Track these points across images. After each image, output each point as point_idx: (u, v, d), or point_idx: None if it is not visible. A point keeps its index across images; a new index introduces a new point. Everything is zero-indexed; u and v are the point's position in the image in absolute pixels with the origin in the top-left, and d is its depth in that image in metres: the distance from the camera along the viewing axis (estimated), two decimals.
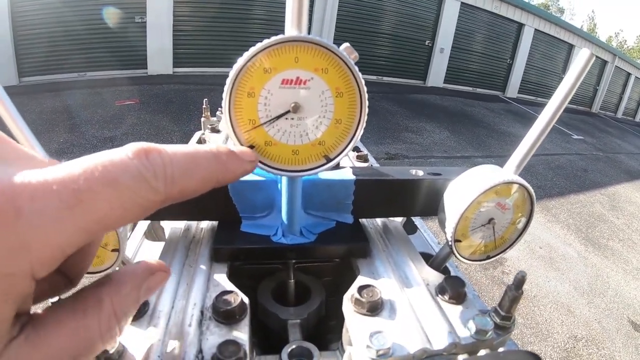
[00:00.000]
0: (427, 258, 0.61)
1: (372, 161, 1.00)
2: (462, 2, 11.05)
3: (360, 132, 0.40)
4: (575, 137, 9.79)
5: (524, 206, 0.57)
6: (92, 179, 0.20)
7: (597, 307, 3.43)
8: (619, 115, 17.43)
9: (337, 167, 0.62)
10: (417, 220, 0.77)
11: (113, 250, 0.52)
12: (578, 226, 4.84)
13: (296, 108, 0.38)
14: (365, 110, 0.39)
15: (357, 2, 9.86)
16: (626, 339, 3.11)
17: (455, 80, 12.10)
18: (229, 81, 0.37)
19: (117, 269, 0.47)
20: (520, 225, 0.58)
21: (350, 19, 9.87)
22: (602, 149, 9.28)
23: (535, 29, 12.81)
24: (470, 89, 12.54)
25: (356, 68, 0.38)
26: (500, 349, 0.42)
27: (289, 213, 0.50)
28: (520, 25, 12.55)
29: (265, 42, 0.36)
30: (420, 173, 0.59)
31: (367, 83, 0.38)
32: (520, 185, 0.54)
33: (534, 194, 0.56)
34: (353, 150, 0.96)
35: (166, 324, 0.42)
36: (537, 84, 13.79)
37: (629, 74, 17.20)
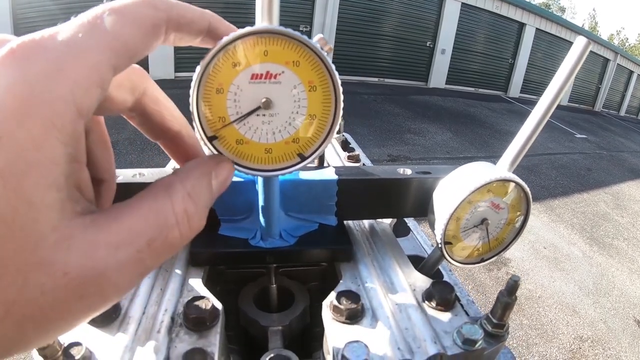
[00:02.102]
0: (419, 261, 0.58)
1: (367, 162, 0.98)
2: (462, 3, 11.03)
3: (335, 127, 0.37)
4: (579, 136, 9.73)
5: (519, 205, 0.54)
6: (104, 9, 0.22)
7: (602, 307, 3.39)
8: (622, 113, 17.35)
9: (321, 166, 0.59)
10: (410, 222, 0.74)
11: None
12: (582, 225, 4.80)
13: (267, 104, 0.36)
14: (340, 104, 0.37)
15: (357, 5, 9.86)
16: (632, 338, 3.07)
17: (457, 81, 12.08)
18: (195, 77, 0.35)
19: None
20: (516, 226, 0.56)
21: (351, 21, 9.87)
22: (606, 147, 9.22)
23: (537, 28, 12.79)
24: (472, 89, 12.51)
25: (329, 60, 0.35)
26: None
27: (266, 215, 0.48)
28: (522, 25, 12.53)
29: (232, 35, 0.34)
30: (409, 172, 0.56)
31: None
32: (515, 183, 0.51)
33: (529, 192, 0.53)
34: (344, 150, 0.93)
35: (135, 330, 0.40)
36: (539, 83, 13.73)
37: (631, 72, 17.13)
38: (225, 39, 0.34)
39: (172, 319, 0.41)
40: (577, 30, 13.90)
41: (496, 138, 7.76)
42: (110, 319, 0.41)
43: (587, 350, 2.87)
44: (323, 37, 0.37)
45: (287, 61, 0.35)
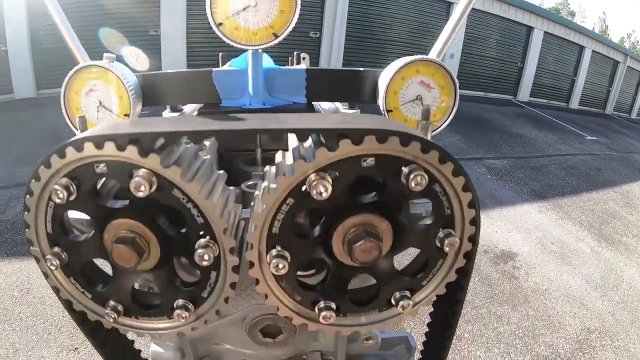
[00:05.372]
0: None
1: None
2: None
3: (296, 16, 0.58)
4: (589, 137, 9.70)
5: (448, 87, 0.68)
6: None
7: (610, 300, 3.38)
8: (634, 116, 17.15)
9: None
10: None
11: None
12: (591, 223, 4.79)
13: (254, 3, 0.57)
14: (299, 1, 0.57)
15: (366, 12, 10.05)
16: None
17: (467, 86, 12.11)
18: None
19: None
20: (446, 105, 0.70)
21: (360, 28, 10.05)
22: (616, 148, 9.17)
23: (545, 32, 12.81)
24: (482, 93, 12.54)
25: None
26: None
27: (254, 87, 0.67)
28: (530, 29, 12.57)
29: None
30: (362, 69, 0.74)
31: None
32: (437, 63, 0.66)
33: (453, 74, 0.67)
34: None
35: None
36: (549, 87, 13.68)
37: None
38: None
39: None
40: (585, 33, 13.88)
41: (505, 140, 7.78)
42: None
43: (594, 341, 2.86)
44: None
45: None
